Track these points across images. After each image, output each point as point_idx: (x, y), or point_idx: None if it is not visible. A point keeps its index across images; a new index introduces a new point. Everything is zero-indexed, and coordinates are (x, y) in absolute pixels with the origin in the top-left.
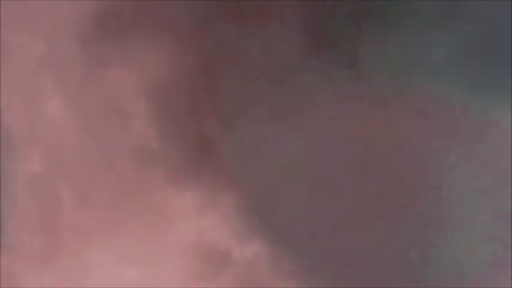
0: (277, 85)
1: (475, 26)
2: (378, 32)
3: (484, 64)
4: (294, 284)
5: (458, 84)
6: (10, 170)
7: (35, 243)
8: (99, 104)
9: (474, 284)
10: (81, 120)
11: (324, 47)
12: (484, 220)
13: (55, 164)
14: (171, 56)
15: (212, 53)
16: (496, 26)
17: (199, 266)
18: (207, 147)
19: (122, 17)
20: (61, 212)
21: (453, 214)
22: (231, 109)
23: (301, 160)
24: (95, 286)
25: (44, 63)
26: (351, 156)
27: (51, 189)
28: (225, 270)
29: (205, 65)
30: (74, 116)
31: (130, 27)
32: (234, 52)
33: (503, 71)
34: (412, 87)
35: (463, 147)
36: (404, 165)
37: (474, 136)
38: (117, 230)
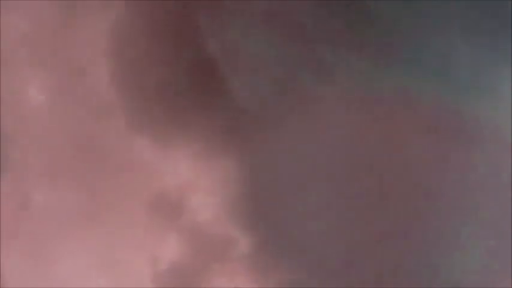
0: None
1: (476, 25)
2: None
3: (484, 62)
4: (254, 233)
5: (457, 84)
6: None
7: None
8: (68, 69)
9: (474, 284)
10: (50, 85)
11: (323, 46)
12: (485, 220)
13: (23, 125)
14: (142, 19)
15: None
16: (496, 25)
17: (157, 220)
18: (172, 102)
19: None
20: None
21: (453, 214)
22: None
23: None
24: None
25: (23, 39)
26: (347, 156)
27: (19, 148)
28: (179, 220)
29: (177, 26)
30: (43, 82)
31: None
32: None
33: (503, 70)
34: (412, 87)
35: (463, 147)
36: (405, 166)
37: (474, 136)
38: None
